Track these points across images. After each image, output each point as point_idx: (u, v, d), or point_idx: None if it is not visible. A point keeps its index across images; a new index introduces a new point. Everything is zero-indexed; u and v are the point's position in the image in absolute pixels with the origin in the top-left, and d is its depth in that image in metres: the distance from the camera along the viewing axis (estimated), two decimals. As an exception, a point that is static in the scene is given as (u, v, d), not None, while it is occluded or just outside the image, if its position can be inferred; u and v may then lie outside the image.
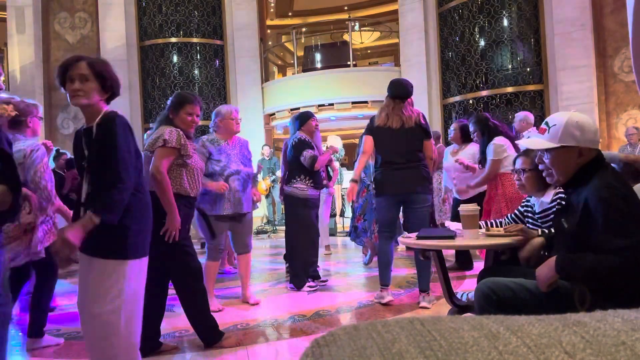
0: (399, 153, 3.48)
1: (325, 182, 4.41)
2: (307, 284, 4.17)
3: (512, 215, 2.55)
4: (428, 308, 3.45)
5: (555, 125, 1.76)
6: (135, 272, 1.97)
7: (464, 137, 4.51)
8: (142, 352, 2.09)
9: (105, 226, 1.84)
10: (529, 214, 2.43)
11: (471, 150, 4.42)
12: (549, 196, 2.26)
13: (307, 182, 4.09)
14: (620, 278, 1.54)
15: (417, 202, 3.48)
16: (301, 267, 4.18)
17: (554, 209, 2.17)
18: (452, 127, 4.74)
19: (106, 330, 1.88)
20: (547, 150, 1.79)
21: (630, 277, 1.53)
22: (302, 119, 4.27)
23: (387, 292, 3.59)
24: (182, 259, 2.79)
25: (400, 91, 3.53)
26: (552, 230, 2.02)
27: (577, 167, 1.74)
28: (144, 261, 2.04)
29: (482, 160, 4.07)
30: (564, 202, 1.83)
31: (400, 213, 3.74)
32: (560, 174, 1.79)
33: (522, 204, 2.51)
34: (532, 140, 1.99)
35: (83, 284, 1.98)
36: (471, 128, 4.19)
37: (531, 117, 5.40)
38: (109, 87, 2.00)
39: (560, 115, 1.80)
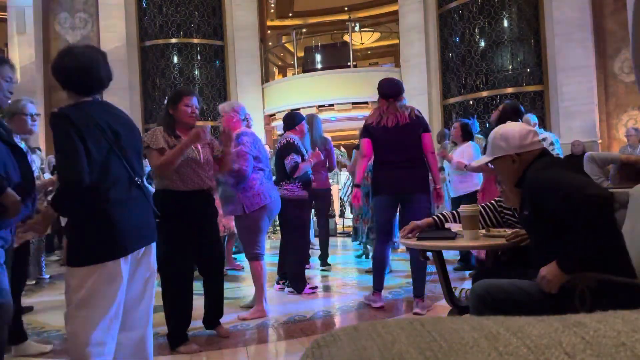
0: (395, 152, 3.41)
1: (314, 184, 4.36)
2: (307, 286, 4.16)
3: (484, 205, 2.52)
4: (422, 315, 3.36)
5: (489, 141, 1.97)
6: (83, 279, 1.82)
7: (465, 135, 4.55)
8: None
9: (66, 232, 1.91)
10: (507, 211, 2.41)
11: (466, 148, 4.47)
12: None
13: (297, 183, 4.05)
14: (599, 225, 1.55)
15: (414, 202, 3.42)
16: (299, 270, 4.16)
17: None
18: (453, 125, 4.75)
19: (68, 334, 1.88)
20: (491, 162, 1.99)
21: (602, 220, 1.55)
22: (296, 119, 4.25)
23: (379, 296, 3.55)
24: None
25: (391, 90, 3.50)
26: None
27: (519, 171, 1.86)
28: (94, 268, 1.84)
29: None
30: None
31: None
32: (504, 182, 1.99)
33: (498, 199, 2.49)
34: (480, 158, 2.20)
35: None
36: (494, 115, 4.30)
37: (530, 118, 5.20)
38: (65, 83, 1.93)
39: (493, 130, 2.00)
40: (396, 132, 3.40)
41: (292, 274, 4.13)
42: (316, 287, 4.20)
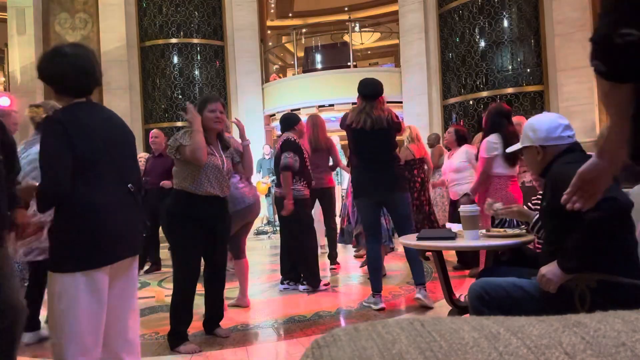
0: (371, 155, 3.46)
1: (313, 182, 4.39)
2: (321, 282, 4.21)
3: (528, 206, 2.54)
4: (422, 300, 3.40)
5: (523, 128, 2.03)
6: (65, 287, 1.75)
7: (459, 140, 4.63)
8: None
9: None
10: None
11: (463, 150, 4.58)
12: None
13: (302, 182, 4.09)
14: (606, 229, 1.57)
15: (395, 201, 3.47)
16: (314, 266, 4.21)
17: None
18: (448, 130, 4.84)
19: (54, 345, 1.82)
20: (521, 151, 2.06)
21: (613, 225, 1.56)
22: (293, 119, 4.29)
23: (379, 298, 3.55)
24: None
25: (369, 90, 3.50)
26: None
27: (543, 163, 1.89)
28: (77, 276, 1.76)
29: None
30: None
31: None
32: (531, 170, 2.07)
33: (534, 200, 2.50)
34: (515, 145, 2.22)
35: None
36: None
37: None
38: (60, 85, 1.89)
39: (529, 119, 2.05)
40: (373, 136, 3.42)
41: (309, 271, 4.19)
42: (329, 284, 4.31)
